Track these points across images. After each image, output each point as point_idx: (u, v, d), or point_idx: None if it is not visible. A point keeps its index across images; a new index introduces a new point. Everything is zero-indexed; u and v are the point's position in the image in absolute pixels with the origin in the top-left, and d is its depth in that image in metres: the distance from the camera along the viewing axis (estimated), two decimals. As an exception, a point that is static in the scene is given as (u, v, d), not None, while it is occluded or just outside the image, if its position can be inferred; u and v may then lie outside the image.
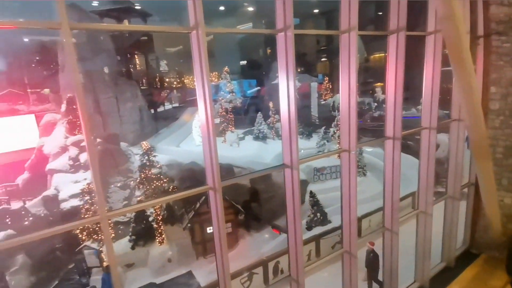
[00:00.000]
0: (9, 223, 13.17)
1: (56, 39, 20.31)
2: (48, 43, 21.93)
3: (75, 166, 15.29)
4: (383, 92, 30.87)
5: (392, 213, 8.15)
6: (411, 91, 17.94)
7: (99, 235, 13.67)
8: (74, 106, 16.06)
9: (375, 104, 29.93)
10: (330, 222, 14.86)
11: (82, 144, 15.53)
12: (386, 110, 7.75)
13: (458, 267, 9.92)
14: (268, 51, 34.85)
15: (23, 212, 13.60)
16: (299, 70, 33.34)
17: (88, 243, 13.42)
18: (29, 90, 22.53)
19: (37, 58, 22.68)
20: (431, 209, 9.05)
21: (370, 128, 25.00)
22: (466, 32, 7.34)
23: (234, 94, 23.67)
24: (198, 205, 13.99)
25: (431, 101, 8.52)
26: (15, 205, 15.04)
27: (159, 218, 13.89)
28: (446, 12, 6.02)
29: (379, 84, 31.66)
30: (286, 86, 5.70)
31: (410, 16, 7.36)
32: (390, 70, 7.42)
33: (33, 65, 22.87)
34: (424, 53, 8.39)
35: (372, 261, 9.75)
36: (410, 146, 17.85)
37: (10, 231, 12.78)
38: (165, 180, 14.19)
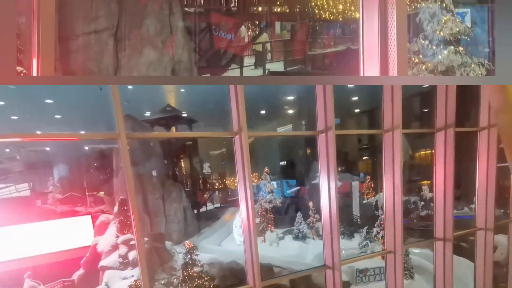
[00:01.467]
0: (65, 318, 13.03)
1: (113, 146, 22.90)
2: (105, 150, 24.69)
3: (124, 264, 15.65)
4: (431, 190, 29.37)
5: (454, 325, 7.07)
6: (463, 188, 16.92)
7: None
8: (125, 207, 17.18)
9: (422, 202, 28.27)
10: (375, 326, 12.99)
11: (131, 242, 16.06)
12: (435, 209, 7.46)
13: None
14: (308, 151, 35.74)
15: (77, 307, 13.53)
16: (339, 169, 33.26)
17: None
18: (87, 193, 24.55)
19: (95, 164, 25.30)
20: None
21: (417, 228, 23.23)
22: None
23: (273, 194, 24.07)
24: (238, 307, 13.10)
25: (486, 199, 8.06)
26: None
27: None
28: (501, 104, 6.08)
29: (425, 181, 30.35)
30: (327, 186, 5.93)
31: (459, 108, 6.78)
32: (438, 167, 7.23)
33: (91, 170, 25.40)
34: (476, 146, 7.95)
35: None
36: (463, 247, 16.01)
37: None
38: (206, 279, 13.93)
